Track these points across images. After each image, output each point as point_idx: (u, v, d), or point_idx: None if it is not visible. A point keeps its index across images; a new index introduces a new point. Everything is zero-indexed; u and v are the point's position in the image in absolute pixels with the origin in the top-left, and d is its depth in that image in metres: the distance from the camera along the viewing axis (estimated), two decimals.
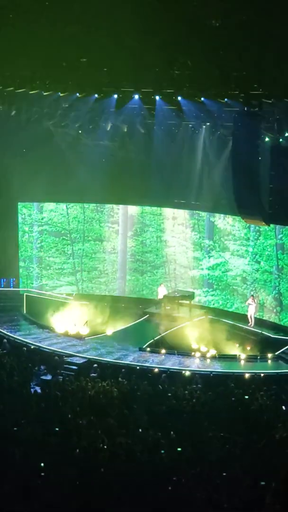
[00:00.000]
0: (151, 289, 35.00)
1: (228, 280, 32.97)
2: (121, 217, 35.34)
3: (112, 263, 35.79)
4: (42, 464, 16.00)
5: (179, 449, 17.37)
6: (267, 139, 27.74)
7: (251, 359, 27.27)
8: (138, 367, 25.18)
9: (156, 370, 24.89)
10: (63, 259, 35.68)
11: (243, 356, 27.13)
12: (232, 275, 32.81)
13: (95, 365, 25.18)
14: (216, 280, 33.40)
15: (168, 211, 34.32)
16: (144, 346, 28.03)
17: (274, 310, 31.04)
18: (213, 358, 26.94)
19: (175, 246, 34.59)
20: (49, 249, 35.56)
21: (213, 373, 24.81)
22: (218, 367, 25.86)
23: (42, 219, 35.34)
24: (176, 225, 34.44)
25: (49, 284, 35.40)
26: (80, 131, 32.42)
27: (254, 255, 31.90)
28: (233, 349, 28.36)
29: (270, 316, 31.08)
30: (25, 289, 34.22)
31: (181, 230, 34.30)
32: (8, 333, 28.82)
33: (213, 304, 33.31)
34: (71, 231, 35.61)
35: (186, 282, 34.14)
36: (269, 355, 27.04)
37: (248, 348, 28.44)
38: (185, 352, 27.45)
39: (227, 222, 32.56)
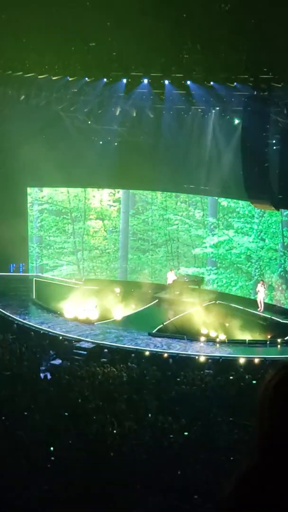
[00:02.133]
0: (153, 267, 34.88)
1: (232, 258, 32.83)
2: (123, 195, 35.18)
3: (113, 242, 35.63)
4: (51, 449, 16.10)
5: (186, 433, 17.43)
6: (276, 123, 27.61)
7: (260, 344, 27.27)
8: (147, 352, 25.24)
9: (166, 355, 24.93)
10: (64, 238, 35.49)
11: (252, 341, 27.14)
12: (236, 253, 32.71)
13: (106, 350, 25.25)
14: (220, 258, 33.27)
15: None
16: (153, 331, 28.07)
17: (280, 288, 30.93)
18: (223, 343, 26.96)
19: (178, 224, 34.46)
20: (50, 228, 35.38)
21: (222, 358, 24.84)
22: (227, 352, 25.87)
23: (42, 197, 35.22)
24: (179, 202, 34.33)
25: (49, 263, 35.29)
26: (89, 116, 32.35)
27: (259, 233, 31.71)
28: (243, 334, 28.36)
29: (275, 294, 30.94)
30: (35, 274, 34.26)
31: (184, 208, 34.14)
32: (18, 318, 28.92)
33: (217, 282, 33.23)
34: (72, 210, 35.44)
35: (189, 260, 34.06)
36: (279, 340, 27.03)
37: (258, 333, 28.42)
38: (194, 337, 27.48)
39: (231, 199, 32.40)
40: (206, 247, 33.61)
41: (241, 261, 32.60)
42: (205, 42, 25.33)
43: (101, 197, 35.15)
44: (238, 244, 32.49)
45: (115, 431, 17.37)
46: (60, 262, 35.49)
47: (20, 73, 28.58)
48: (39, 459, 15.49)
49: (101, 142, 33.11)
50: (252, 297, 31.71)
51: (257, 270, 31.86)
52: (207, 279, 33.35)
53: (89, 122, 32.74)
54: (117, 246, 35.64)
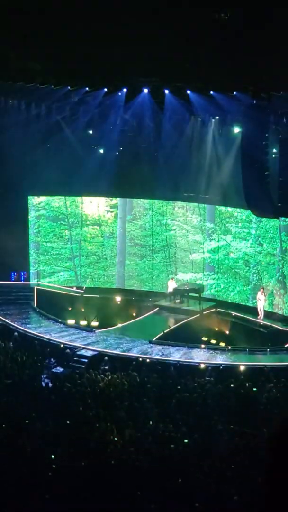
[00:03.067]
0: (151, 273, 34.97)
1: (230, 263, 32.92)
2: (120, 200, 35.16)
3: (111, 247, 35.61)
4: (53, 457, 16.17)
5: (186, 441, 17.50)
6: (275, 132, 27.78)
7: (261, 351, 27.35)
8: (148, 360, 25.31)
9: (166, 362, 25.00)
10: (61, 244, 35.45)
11: (252, 348, 27.22)
12: (234, 258, 32.80)
13: (106, 357, 25.33)
14: (218, 264, 33.34)
15: None
16: (154, 339, 28.16)
17: (278, 293, 31.03)
18: (223, 350, 27.04)
19: (176, 229, 34.53)
20: (46, 234, 35.35)
21: (222, 365, 24.92)
22: (227, 360, 25.95)
23: (39, 204, 35.29)
24: (177, 208, 34.36)
25: (46, 270, 35.24)
26: (89, 125, 32.51)
27: (256, 238, 31.80)
28: (243, 341, 28.43)
29: (273, 299, 31.06)
30: (36, 282, 34.36)
31: (182, 213, 34.20)
32: (19, 326, 28.99)
33: (215, 287, 33.31)
34: (69, 216, 35.49)
35: (187, 266, 34.14)
36: (279, 348, 27.10)
37: (258, 341, 28.48)
38: (195, 345, 27.56)
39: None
40: (203, 252, 33.66)
41: (239, 266, 32.66)
42: (204, 51, 25.49)
43: (98, 203, 35.16)
44: (236, 249, 32.56)
45: (116, 439, 17.44)
46: (57, 268, 35.47)
47: (21, 82, 28.77)
48: (40, 468, 15.55)
49: (101, 151, 33.27)
50: (250, 303, 31.81)
51: (255, 275, 31.93)
52: (205, 285, 33.43)
53: (90, 131, 32.90)
54: (114, 252, 35.63)
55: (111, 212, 35.32)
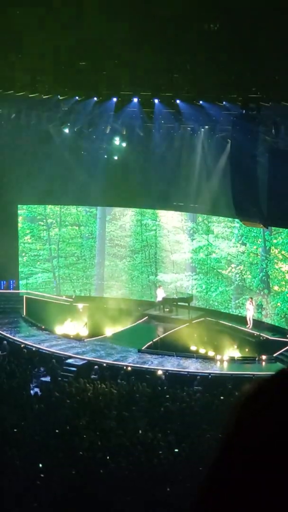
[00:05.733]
0: (131, 274, 34.83)
1: (212, 264, 32.90)
2: None
3: (90, 248, 35.40)
4: (40, 465, 16.15)
5: (176, 450, 17.51)
6: (265, 142, 27.91)
7: (249, 360, 27.39)
8: (137, 369, 25.31)
9: (155, 371, 25.00)
10: (39, 245, 35.18)
11: (241, 358, 27.27)
12: (216, 258, 32.75)
13: (96, 366, 25.32)
14: (199, 264, 33.28)
15: None
16: (143, 348, 28.15)
17: (261, 293, 31.09)
18: (212, 359, 27.06)
19: (156, 229, 34.51)
20: (24, 235, 35.04)
21: (211, 374, 24.95)
22: (216, 369, 25.98)
23: None
24: None
25: (24, 271, 34.91)
26: (79, 134, 32.55)
27: (239, 237, 31.85)
28: (232, 351, 28.47)
29: (257, 298, 31.11)
30: (25, 291, 34.29)
31: (163, 213, 34.06)
32: (8, 335, 28.94)
33: (196, 288, 33.25)
34: (47, 216, 35.27)
35: (168, 266, 34.10)
36: (267, 357, 27.16)
37: (247, 350, 28.54)
38: (184, 354, 27.56)
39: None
40: (185, 252, 33.63)
41: (221, 266, 32.64)
42: (194, 61, 25.63)
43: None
44: (218, 249, 32.55)
45: (104, 448, 17.43)
46: (35, 270, 35.27)
47: (11, 91, 28.79)
48: (29, 476, 15.53)
49: (91, 160, 33.30)
50: (233, 303, 31.84)
51: (237, 275, 31.91)
52: (186, 285, 33.35)
53: (80, 140, 32.93)
54: (93, 253, 35.29)
55: (90, 212, 35.04)
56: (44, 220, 35.12)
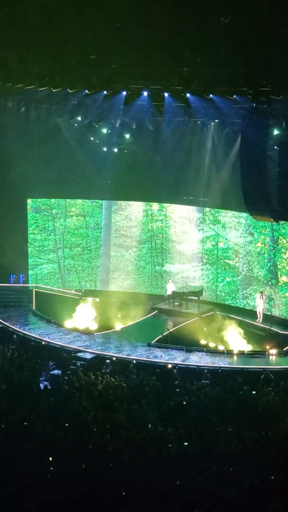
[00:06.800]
0: (137, 264, 34.74)
1: (219, 254, 32.79)
2: None
3: (95, 238, 35.30)
4: (50, 459, 16.15)
5: (186, 443, 17.50)
6: (275, 134, 27.80)
7: (259, 354, 27.33)
8: (147, 363, 25.31)
9: (165, 365, 24.99)
10: (44, 235, 35.17)
11: (251, 351, 27.22)
12: (224, 248, 32.62)
13: (108, 360, 25.31)
14: (207, 254, 33.16)
15: None
16: (152, 342, 28.14)
17: (269, 284, 30.99)
18: (221, 353, 27.03)
19: (162, 219, 34.39)
20: (29, 226, 34.90)
21: (221, 368, 24.92)
22: (226, 363, 25.94)
23: None
24: None
25: (29, 262, 34.89)
26: (88, 128, 32.51)
27: (247, 227, 31.72)
28: (241, 344, 28.42)
29: (265, 289, 30.99)
30: (35, 285, 34.32)
31: (169, 203, 33.99)
32: (18, 329, 29.00)
33: (203, 278, 33.15)
34: (52, 206, 35.19)
35: (174, 257, 34.02)
36: (277, 351, 27.09)
37: (257, 344, 28.47)
38: (193, 348, 27.53)
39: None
40: (192, 243, 33.47)
41: (229, 256, 32.52)
42: (204, 55, 25.48)
43: None
44: (226, 239, 32.41)
45: (114, 441, 17.42)
46: (40, 261, 35.23)
47: (21, 85, 28.74)
48: (39, 469, 15.53)
49: (100, 154, 33.26)
50: (240, 293, 31.76)
51: (245, 266, 31.81)
52: (193, 276, 33.23)
53: (89, 134, 32.90)
54: (99, 243, 35.22)
55: (96, 202, 34.92)
56: (49, 211, 35.03)
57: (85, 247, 35.25)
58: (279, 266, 30.75)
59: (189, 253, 33.68)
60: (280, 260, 30.69)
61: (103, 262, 35.21)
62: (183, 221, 33.58)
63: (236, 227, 32.01)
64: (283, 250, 30.66)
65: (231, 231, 32.17)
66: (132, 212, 34.70)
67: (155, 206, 34.33)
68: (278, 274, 30.74)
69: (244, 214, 31.21)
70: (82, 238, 35.24)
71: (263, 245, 31.31)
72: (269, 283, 31.02)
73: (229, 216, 32.18)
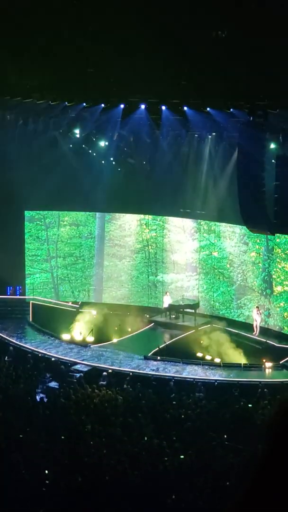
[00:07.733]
0: (130, 274, 34.75)
1: (214, 263, 32.79)
2: None
3: (89, 248, 35.22)
4: (46, 472, 16.12)
5: (182, 457, 17.46)
6: (272, 148, 27.90)
7: (256, 367, 27.33)
8: (143, 375, 25.30)
9: (161, 378, 24.98)
10: (37, 245, 35.07)
11: (247, 365, 27.21)
12: (218, 258, 32.64)
13: (105, 373, 25.31)
14: (200, 264, 33.15)
15: None
16: (149, 354, 28.13)
17: (264, 293, 31.01)
18: (218, 366, 27.02)
19: (156, 229, 34.42)
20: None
21: (217, 381, 24.91)
22: (222, 376, 25.93)
23: None
24: None
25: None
26: (86, 141, 32.63)
27: (241, 236, 31.78)
28: (238, 358, 28.42)
29: (259, 300, 30.98)
30: (32, 297, 34.31)
31: (166, 216, 33.90)
32: (14, 341, 28.98)
33: (197, 288, 33.15)
34: (46, 216, 35.15)
35: (168, 266, 34.02)
36: (274, 364, 27.09)
37: (253, 357, 28.46)
38: (190, 361, 27.52)
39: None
40: (186, 252, 33.48)
41: (223, 266, 32.56)
42: (201, 68, 25.62)
43: None
44: (220, 248, 32.47)
45: (110, 454, 17.39)
46: (33, 270, 35.15)
47: (19, 98, 28.85)
48: (34, 482, 15.50)
49: (98, 167, 33.35)
50: (235, 303, 31.80)
51: (239, 275, 31.82)
52: (187, 285, 33.25)
53: (87, 147, 33.00)
54: (92, 253, 35.15)
55: (89, 212, 34.83)
56: (43, 220, 35.03)
57: (78, 257, 35.20)
58: (273, 276, 30.79)
59: (183, 262, 33.69)
60: (274, 270, 30.74)
61: (97, 271, 35.16)
62: (178, 231, 33.59)
63: (230, 237, 32.06)
64: (277, 259, 30.71)
65: (226, 240, 32.20)
66: (126, 222, 34.69)
67: (149, 215, 34.31)
68: (273, 284, 30.78)
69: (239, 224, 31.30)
70: (75, 247, 35.18)
71: (258, 254, 31.36)
72: (264, 293, 31.05)
73: (223, 226, 32.21)
